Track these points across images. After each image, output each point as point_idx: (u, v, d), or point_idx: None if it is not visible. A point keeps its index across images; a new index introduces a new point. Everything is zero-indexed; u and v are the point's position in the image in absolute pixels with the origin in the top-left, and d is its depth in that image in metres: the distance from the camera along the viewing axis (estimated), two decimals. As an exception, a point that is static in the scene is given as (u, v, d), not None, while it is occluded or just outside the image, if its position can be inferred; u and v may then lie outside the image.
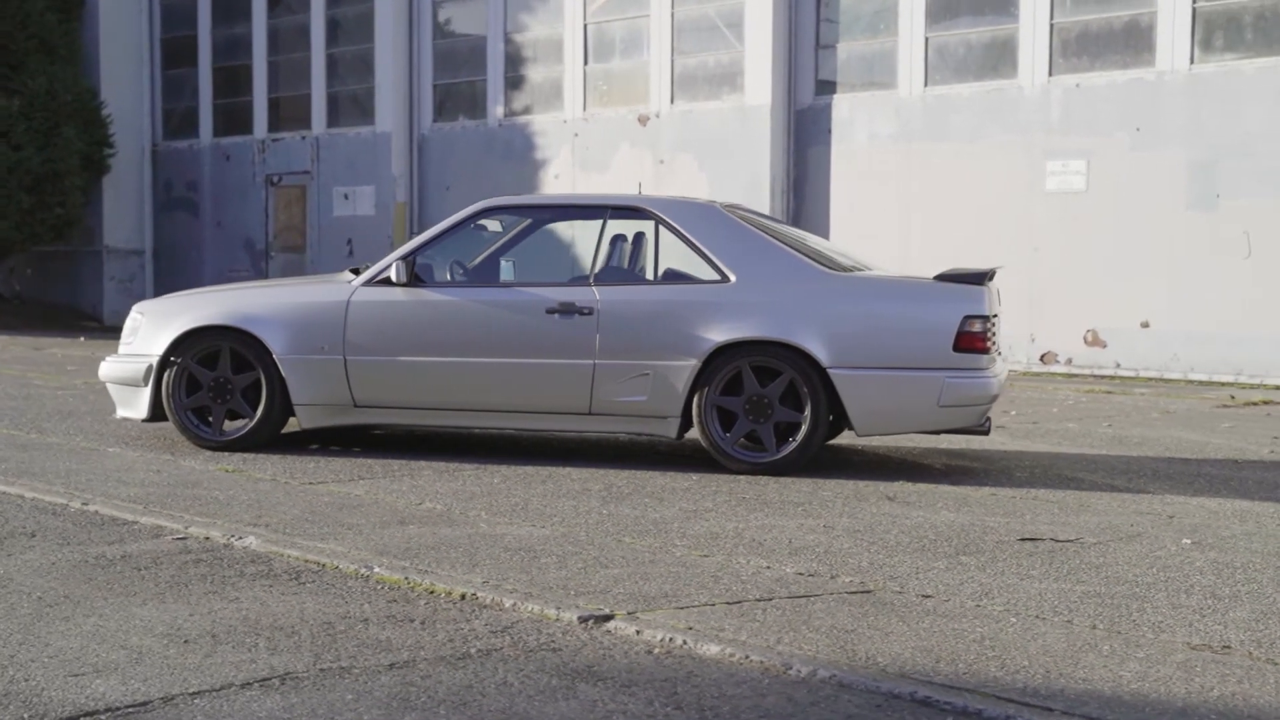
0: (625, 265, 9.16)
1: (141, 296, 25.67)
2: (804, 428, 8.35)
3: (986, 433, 8.63)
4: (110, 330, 24.34)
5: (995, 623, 4.97)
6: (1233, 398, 13.99)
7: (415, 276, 8.87)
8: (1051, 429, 11.05)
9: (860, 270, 8.85)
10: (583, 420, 8.70)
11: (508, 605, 5.03)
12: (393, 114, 22.15)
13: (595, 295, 8.60)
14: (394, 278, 8.79)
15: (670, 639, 4.57)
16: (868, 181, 17.61)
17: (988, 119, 16.79)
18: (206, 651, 4.41)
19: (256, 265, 24.30)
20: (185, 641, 4.52)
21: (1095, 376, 15.89)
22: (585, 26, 20.14)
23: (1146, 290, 15.70)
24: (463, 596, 5.16)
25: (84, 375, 14.29)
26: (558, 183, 20.42)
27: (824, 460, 8.85)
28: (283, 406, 8.98)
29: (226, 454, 8.81)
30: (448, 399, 8.81)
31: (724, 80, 18.92)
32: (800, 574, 5.73)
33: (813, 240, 9.21)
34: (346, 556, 5.76)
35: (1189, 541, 6.57)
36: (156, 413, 9.13)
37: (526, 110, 21.01)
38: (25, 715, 3.79)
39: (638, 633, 4.66)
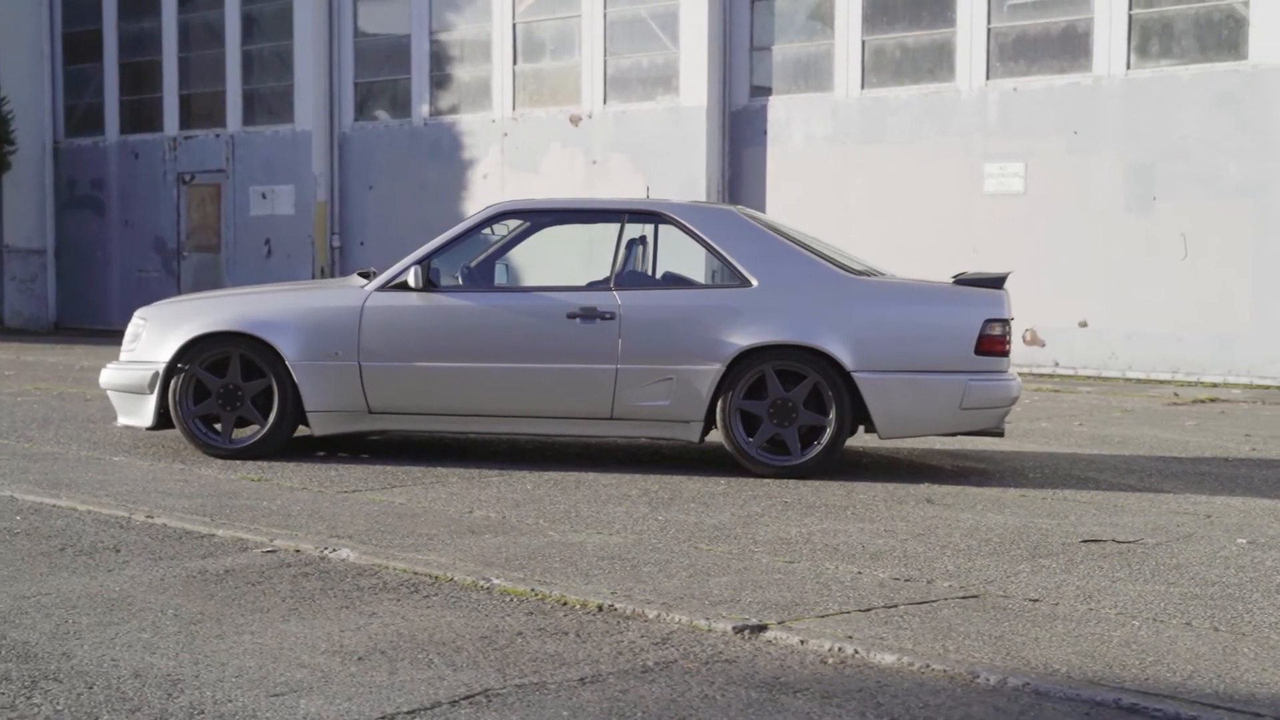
0: (636, 269, 9.20)
1: (43, 297, 25.14)
2: (829, 431, 8.45)
3: (1002, 434, 8.79)
4: (10, 332, 23.79)
5: (1121, 626, 5.09)
6: (1176, 395, 14.36)
7: (429, 281, 8.82)
8: (1028, 429, 11.27)
9: (876, 274, 8.97)
10: (604, 425, 8.72)
11: (651, 616, 5.05)
12: (313, 112, 21.92)
13: (617, 300, 8.62)
14: (411, 282, 8.73)
15: (839, 648, 4.63)
16: (804, 183, 17.78)
17: (925, 121, 17.05)
18: (388, 669, 4.38)
19: (168, 265, 23.90)
20: (359, 659, 4.48)
21: (1035, 375, 16.20)
22: (514, 26, 20.09)
23: (1085, 290, 16.06)
24: (599, 608, 5.17)
25: (24, 380, 13.97)
26: (486, 183, 20.36)
27: (834, 463, 8.93)
28: (295, 413, 8.88)
29: (238, 462, 8.69)
30: (466, 405, 8.77)
31: (658, 81, 18.99)
32: (896, 579, 5.81)
33: (823, 244, 9.30)
34: (453, 568, 5.74)
35: (1244, 541, 6.76)
36: (161, 421, 8.98)
37: (454, 109, 20.91)
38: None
39: (801, 642, 4.70)
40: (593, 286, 8.87)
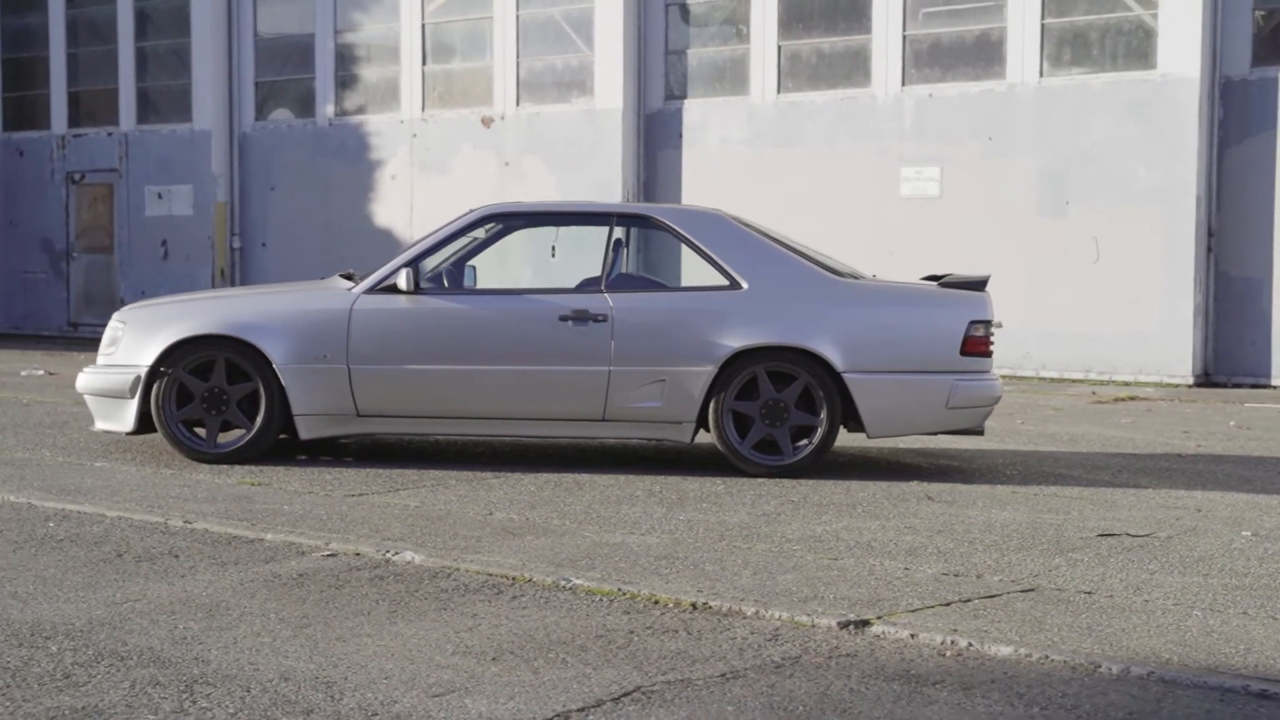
0: (623, 272, 9.31)
1: (-76, 298, 24.47)
2: (820, 431, 8.63)
3: (982, 433, 9.03)
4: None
5: (1186, 616, 5.31)
6: (1094, 393, 14.81)
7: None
8: (977, 427, 11.53)
9: (860, 277, 9.16)
10: (596, 426, 8.80)
11: (749, 613, 5.17)
12: (212, 111, 21.63)
13: (608, 302, 8.72)
14: (402, 285, 8.73)
15: (952, 641, 4.79)
16: (720, 185, 17.97)
17: (842, 126, 17.35)
18: (529, 669, 4.45)
19: (56, 266, 23.41)
20: (493, 659, 4.55)
21: (952, 374, 16.53)
22: (423, 26, 20.03)
23: (1000, 292, 16.35)
24: (693, 606, 5.28)
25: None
26: (394, 183, 20.28)
27: (823, 463, 9.09)
28: (281, 418, 8.83)
29: (225, 467, 8.62)
30: (457, 407, 8.80)
31: (573, 84, 19.07)
32: (946, 574, 5.99)
33: (806, 247, 9.47)
34: (523, 569, 5.80)
35: (1249, 534, 7.06)
36: (142, 425, 8.88)
37: (360, 110, 20.78)
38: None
39: (912, 636, 4.86)
40: (583, 289, 8.94)
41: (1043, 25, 16.21)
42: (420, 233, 19.93)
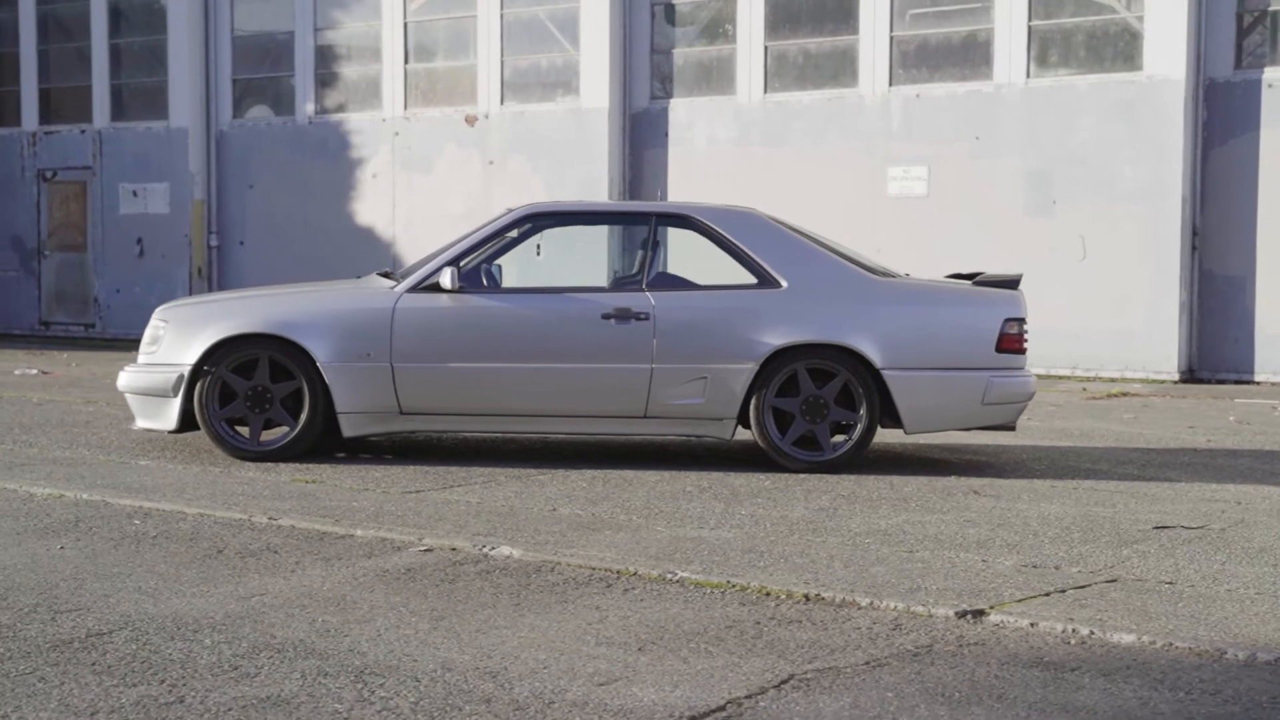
0: (639, 271, 9.43)
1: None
2: (859, 427, 8.79)
3: (1014, 429, 9.22)
4: None
5: (1275, 604, 5.49)
6: (1085, 389, 15.07)
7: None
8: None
9: (895, 275, 9.33)
10: (637, 423, 8.93)
11: (864, 604, 5.32)
12: (188, 108, 21.57)
13: (650, 301, 8.84)
14: (447, 284, 8.81)
15: (1073, 630, 4.95)
16: (707, 184, 18.11)
17: (829, 126, 17.54)
18: (678, 658, 4.57)
19: (27, 265, 23.26)
20: (639, 649, 4.67)
21: (940, 371, 16.77)
22: (405, 25, 20.06)
23: (987, 290, 16.66)
24: (806, 597, 5.42)
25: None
26: (376, 182, 20.30)
27: (861, 458, 9.25)
28: (324, 416, 8.90)
29: (269, 465, 8.68)
30: (500, 405, 8.90)
31: (558, 83, 19.17)
32: (1025, 566, 6.15)
33: (840, 246, 9.62)
34: (623, 562, 5.92)
35: (1299, 525, 7.27)
36: (185, 424, 8.93)
37: (341, 108, 20.79)
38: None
39: (1032, 625, 5.02)
40: (622, 287, 9.07)
41: (1029, 27, 16.46)
42: (403, 232, 19.99)
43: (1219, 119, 15.95)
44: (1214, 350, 16.08)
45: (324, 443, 9.23)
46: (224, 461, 8.77)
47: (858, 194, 17.33)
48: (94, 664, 4.41)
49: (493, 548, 6.17)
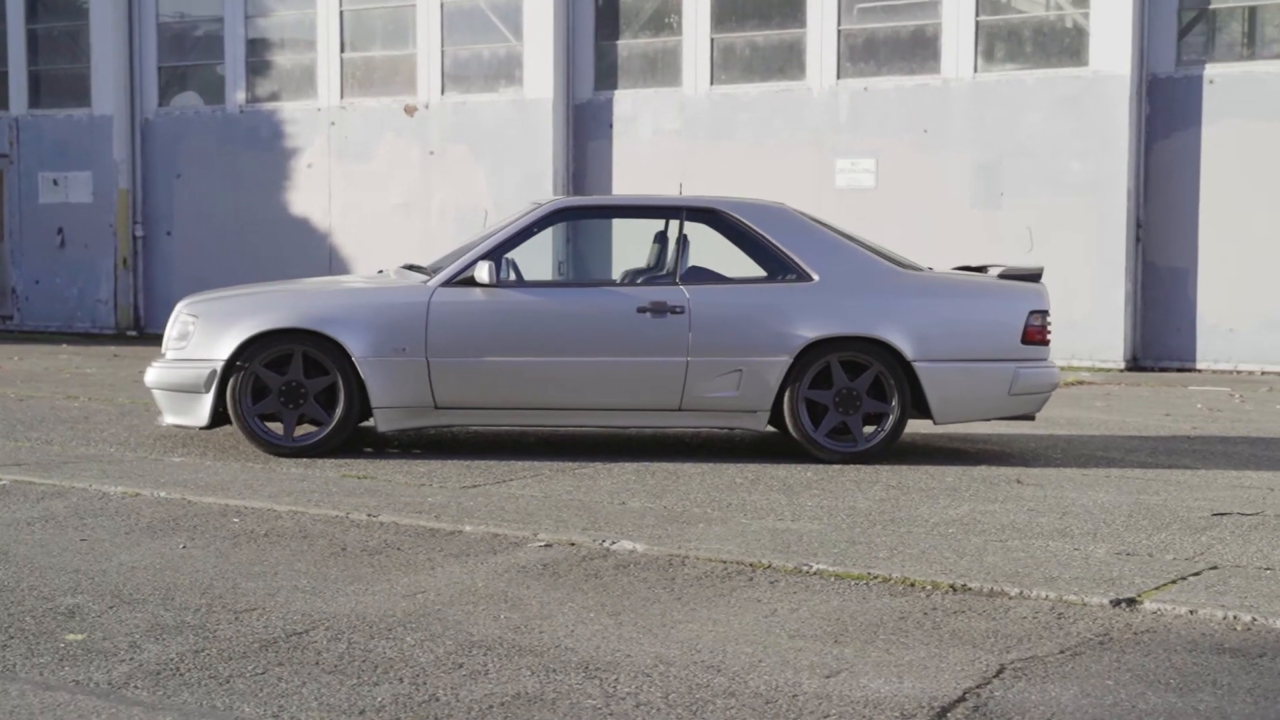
0: (666, 264, 9.51)
1: None
2: (891, 418, 8.96)
3: (1034, 419, 9.45)
4: None
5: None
6: (1038, 378, 15.39)
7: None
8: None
9: (921, 268, 9.50)
10: (672, 416, 9.01)
11: (1013, 593, 5.46)
12: (112, 96, 21.18)
13: (685, 294, 8.93)
14: (484, 278, 8.81)
15: (1234, 616, 5.13)
16: (653, 176, 18.22)
17: (776, 118, 17.72)
18: (880, 649, 4.69)
19: (-61, 254, 22.66)
20: (835, 641, 4.77)
21: (890, 361, 17.04)
22: (341, 13, 19.88)
23: (936, 280, 16.97)
24: (952, 588, 5.55)
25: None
26: (311, 172, 20.11)
27: (893, 449, 9.41)
28: (359, 411, 8.87)
29: (317, 461, 8.64)
30: (535, 399, 8.93)
31: (500, 73, 19.13)
32: (1120, 554, 6.34)
33: (866, 240, 9.77)
34: (749, 554, 6.01)
35: (1346, 510, 7.56)
36: (216, 420, 8.86)
37: (274, 97, 20.55)
38: (878, 713, 4.03)
39: (1191, 613, 5.19)
40: (657, 281, 9.14)
41: (977, 22, 16.77)
42: (339, 222, 19.84)
43: (1161, 114, 16.39)
44: (1157, 339, 16.54)
45: (352, 440, 9.20)
46: (258, 457, 8.71)
47: (805, 186, 17.52)
48: (317, 663, 4.40)
49: (612, 542, 6.22)
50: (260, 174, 20.45)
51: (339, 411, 8.82)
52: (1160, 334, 16.52)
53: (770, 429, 9.17)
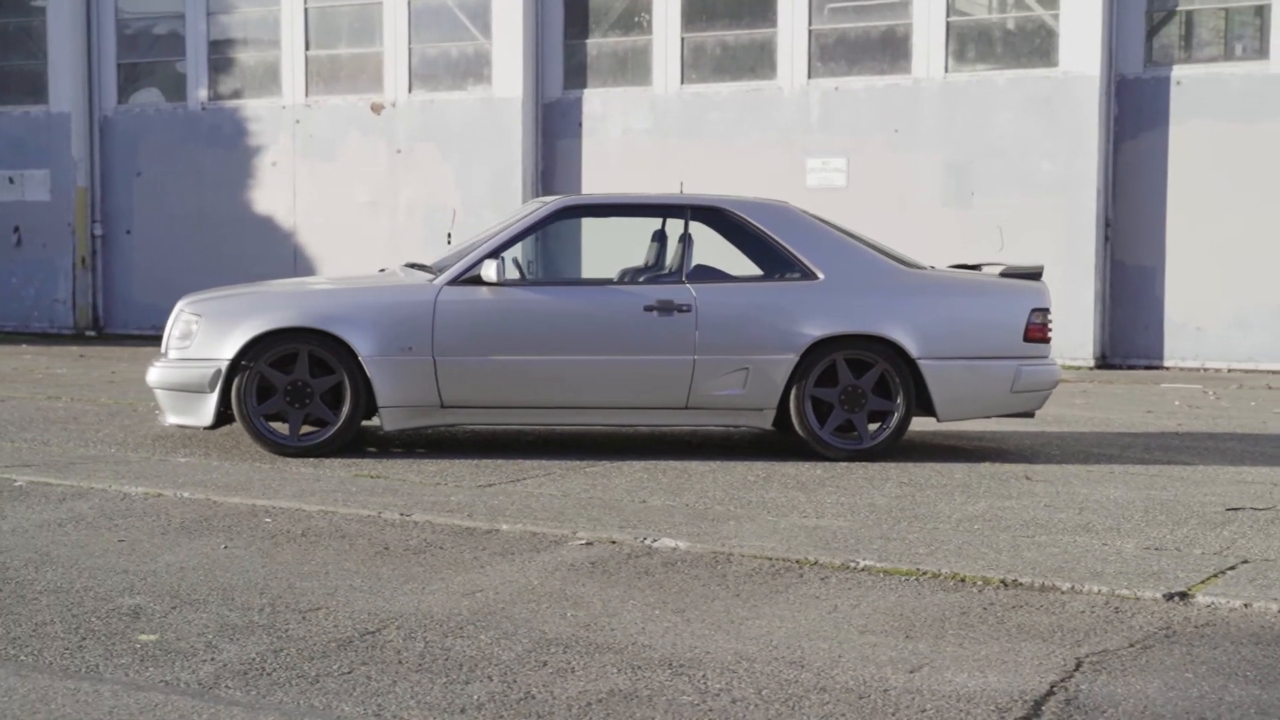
0: (667, 263, 9.54)
1: None
2: (896, 415, 9.01)
3: (1033, 416, 9.53)
4: None
5: None
6: (1011, 376, 15.52)
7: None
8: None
9: (923, 267, 9.56)
10: (678, 415, 9.02)
11: (1065, 588, 5.51)
12: (70, 93, 20.96)
13: (691, 293, 8.94)
14: (491, 277, 8.79)
15: (1287, 608, 5.21)
16: (623, 175, 18.23)
17: (747, 117, 17.77)
18: (953, 644, 4.72)
19: (-109, 253, 22.34)
20: (906, 636, 4.80)
21: (862, 359, 17.14)
22: (306, 10, 19.76)
23: (906, 279, 17.08)
24: (1003, 582, 5.59)
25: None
26: (276, 170, 19.98)
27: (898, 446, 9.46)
28: (365, 410, 8.83)
29: (328, 460, 8.59)
30: (542, 397, 8.91)
31: (469, 71, 19.07)
32: (1149, 549, 6.41)
33: (870, 238, 9.81)
34: (790, 551, 6.03)
35: (1355, 505, 7.67)
36: (219, 420, 8.79)
37: (237, 94, 20.40)
38: (973, 707, 4.06)
39: (1246, 606, 5.26)
40: (663, 280, 9.15)
41: (948, 23, 16.89)
42: (304, 221, 19.73)
43: (1130, 114, 16.57)
44: (1125, 337, 16.72)
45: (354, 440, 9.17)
46: (263, 457, 8.65)
47: (776, 185, 17.54)
48: (400, 661, 4.39)
49: (654, 540, 6.22)
50: (223, 172, 20.29)
51: (345, 411, 8.77)
52: (1128, 332, 16.70)
53: (770, 428, 9.18)
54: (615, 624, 4.88)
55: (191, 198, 20.53)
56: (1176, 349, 16.51)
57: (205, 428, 8.83)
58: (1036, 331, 9.20)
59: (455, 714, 3.93)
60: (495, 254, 8.97)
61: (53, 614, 4.86)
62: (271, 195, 20.05)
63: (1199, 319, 16.43)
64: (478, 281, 8.88)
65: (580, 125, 18.60)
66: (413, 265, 9.53)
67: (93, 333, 21.19)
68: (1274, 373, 16.21)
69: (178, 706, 3.93)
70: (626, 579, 5.56)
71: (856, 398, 9.00)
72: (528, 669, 4.34)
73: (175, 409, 8.87)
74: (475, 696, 4.06)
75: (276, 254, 19.90)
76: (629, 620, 4.93)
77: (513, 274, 9.40)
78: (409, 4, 19.13)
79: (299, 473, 8.06)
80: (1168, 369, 16.51)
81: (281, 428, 8.85)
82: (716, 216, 9.36)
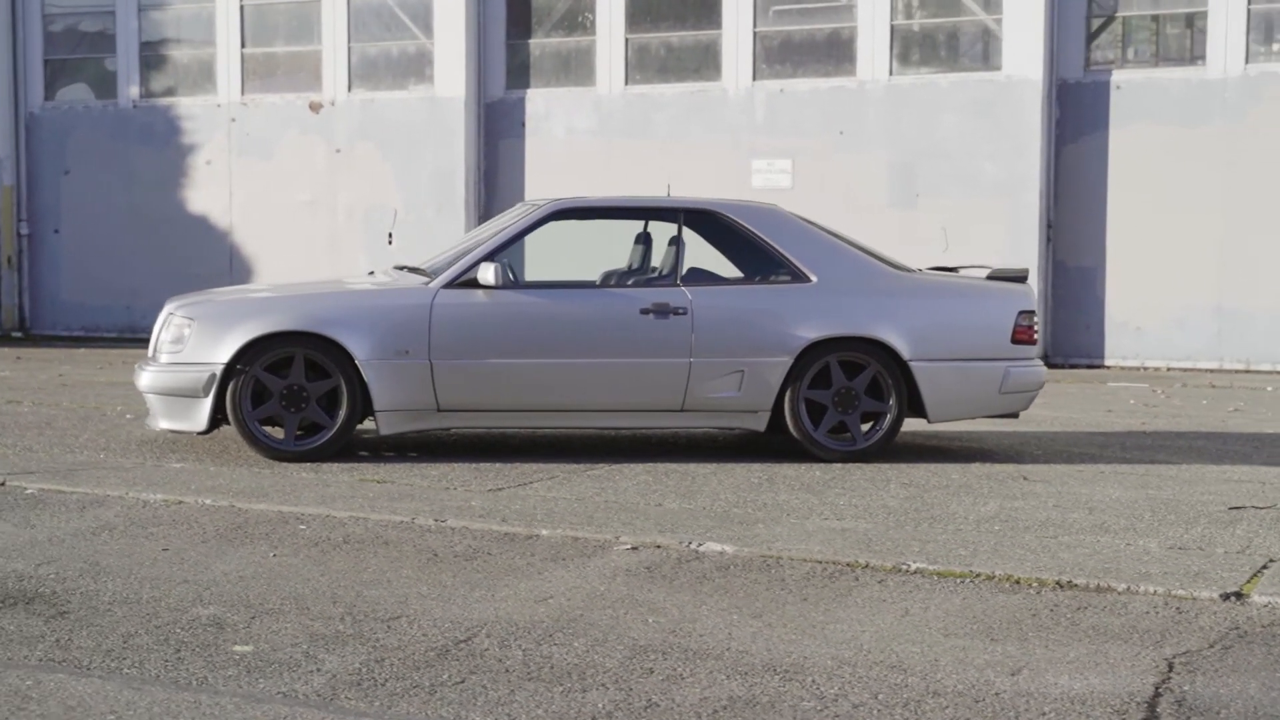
0: (653, 265, 9.58)
1: None
2: (889, 417, 9.10)
3: (1017, 416, 9.67)
4: None
5: None
6: (959, 376, 15.73)
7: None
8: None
9: (911, 270, 9.65)
10: (674, 417, 9.05)
11: (1120, 589, 5.60)
12: (-5, 90, 20.57)
13: (687, 296, 8.97)
14: (490, 280, 8.76)
15: (1343, 605, 5.34)
16: (566, 175, 18.22)
17: (692, 118, 17.83)
18: (1039, 645, 4.78)
19: None
20: (990, 639, 4.86)
21: (808, 359, 17.27)
22: (242, 7, 19.54)
23: (852, 280, 17.23)
24: (1058, 584, 5.68)
25: None
26: (211, 169, 19.74)
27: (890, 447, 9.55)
28: (360, 414, 8.77)
29: (328, 465, 8.52)
30: (538, 400, 8.91)
31: (410, 70, 18.96)
32: (1173, 548, 6.53)
33: (859, 241, 9.89)
34: (836, 554, 6.07)
35: (1351, 502, 7.87)
36: (214, 424, 8.70)
37: (170, 92, 20.12)
38: (1092, 709, 4.13)
39: (1301, 604, 5.39)
40: (658, 283, 9.17)
41: (892, 26, 17.05)
42: (241, 221, 19.51)
43: (1071, 117, 16.84)
44: (1067, 337, 16.98)
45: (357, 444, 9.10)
46: (257, 461, 8.57)
47: (722, 186, 17.64)
48: (507, 670, 4.37)
49: (699, 544, 6.24)
50: (156, 171, 20.01)
51: (342, 414, 8.70)
52: (1070, 332, 16.97)
53: (763, 429, 9.22)
54: (699, 629, 4.89)
55: (122, 196, 20.22)
56: (1117, 348, 16.80)
57: (199, 433, 8.72)
58: (1023, 333, 9.33)
59: (587, 723, 3.93)
60: (492, 257, 8.94)
61: (133, 625, 4.78)
62: (206, 194, 19.80)
63: (1139, 319, 16.73)
64: (474, 285, 8.85)
65: (523, 125, 18.57)
66: (403, 268, 9.47)
67: (19, 334, 20.80)
68: (1212, 371, 16.56)
69: (304, 719, 3.89)
70: (687, 584, 5.57)
71: (849, 399, 9.07)
72: (636, 676, 4.34)
73: (168, 414, 8.75)
74: (600, 705, 4.06)
75: (212, 254, 19.66)
76: (711, 625, 4.94)
77: (512, 277, 9.35)
78: (348, 3, 18.98)
79: (302, 478, 7.99)
80: (1109, 368, 16.80)
81: (275, 432, 8.76)
82: (709, 219, 9.40)
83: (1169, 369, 16.70)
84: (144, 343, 19.28)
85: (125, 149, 20.20)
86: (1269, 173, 16.22)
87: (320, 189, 19.15)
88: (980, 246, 16.75)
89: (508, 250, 9.09)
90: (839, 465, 8.88)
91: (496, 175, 18.75)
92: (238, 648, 4.54)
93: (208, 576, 5.51)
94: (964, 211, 16.85)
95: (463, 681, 4.25)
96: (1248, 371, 16.52)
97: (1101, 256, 16.80)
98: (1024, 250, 16.62)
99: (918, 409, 9.22)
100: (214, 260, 19.51)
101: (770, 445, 9.59)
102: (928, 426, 10.71)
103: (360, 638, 4.69)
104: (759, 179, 17.57)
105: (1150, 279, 16.64)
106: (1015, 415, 9.58)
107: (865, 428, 9.15)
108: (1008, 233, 16.70)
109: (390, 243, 18.47)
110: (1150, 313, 16.69)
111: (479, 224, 18.21)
